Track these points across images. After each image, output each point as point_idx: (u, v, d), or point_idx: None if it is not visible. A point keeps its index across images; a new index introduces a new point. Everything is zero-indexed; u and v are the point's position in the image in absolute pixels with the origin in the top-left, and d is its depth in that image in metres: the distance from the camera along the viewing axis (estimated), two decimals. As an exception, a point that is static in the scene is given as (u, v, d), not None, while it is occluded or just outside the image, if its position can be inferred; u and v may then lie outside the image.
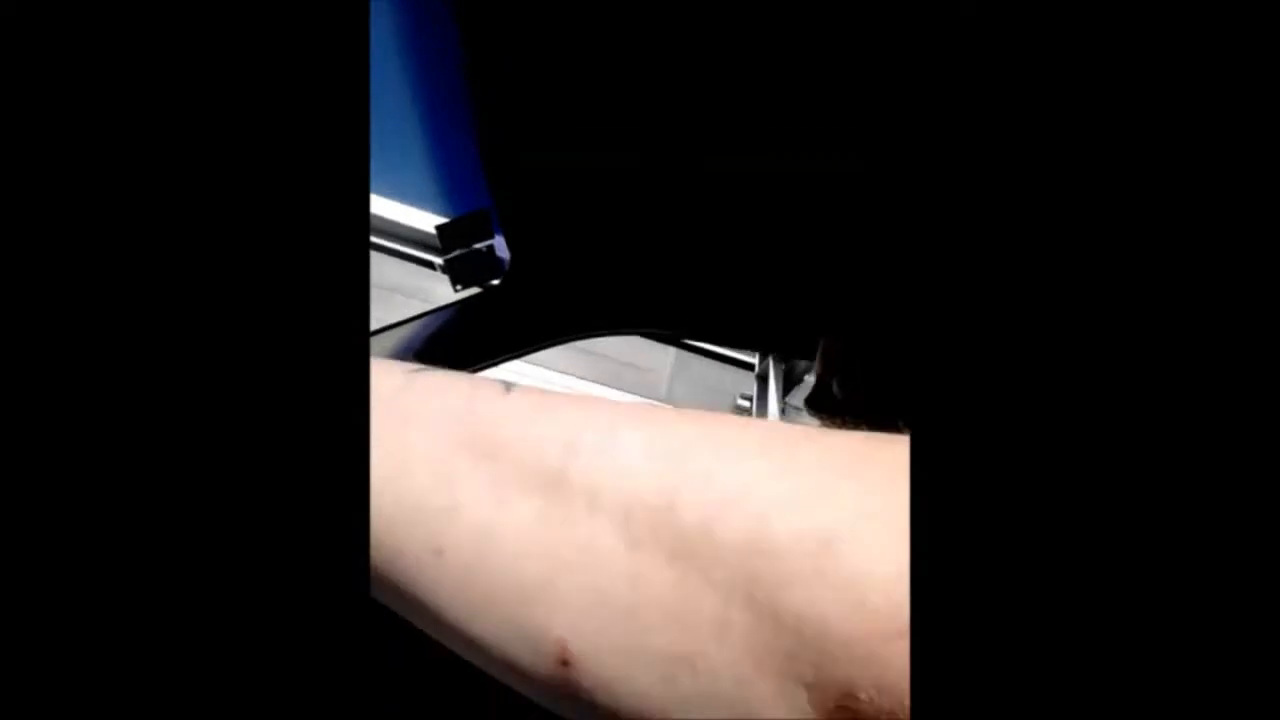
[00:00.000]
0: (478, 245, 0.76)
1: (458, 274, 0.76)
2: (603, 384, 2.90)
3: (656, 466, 0.18)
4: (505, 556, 0.18)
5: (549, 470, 0.19)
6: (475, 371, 0.75)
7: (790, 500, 0.16)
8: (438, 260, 0.79)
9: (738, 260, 0.78)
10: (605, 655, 0.17)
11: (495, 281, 0.78)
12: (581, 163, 0.68)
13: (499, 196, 0.70)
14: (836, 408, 0.64)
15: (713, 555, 0.16)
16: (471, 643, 0.19)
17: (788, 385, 2.85)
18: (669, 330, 0.89)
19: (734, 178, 0.68)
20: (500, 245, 0.77)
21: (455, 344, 0.76)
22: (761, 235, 0.74)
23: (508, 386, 0.21)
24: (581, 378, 2.89)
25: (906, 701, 0.14)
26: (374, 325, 0.76)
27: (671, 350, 3.11)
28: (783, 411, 2.78)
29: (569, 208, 0.70)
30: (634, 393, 2.86)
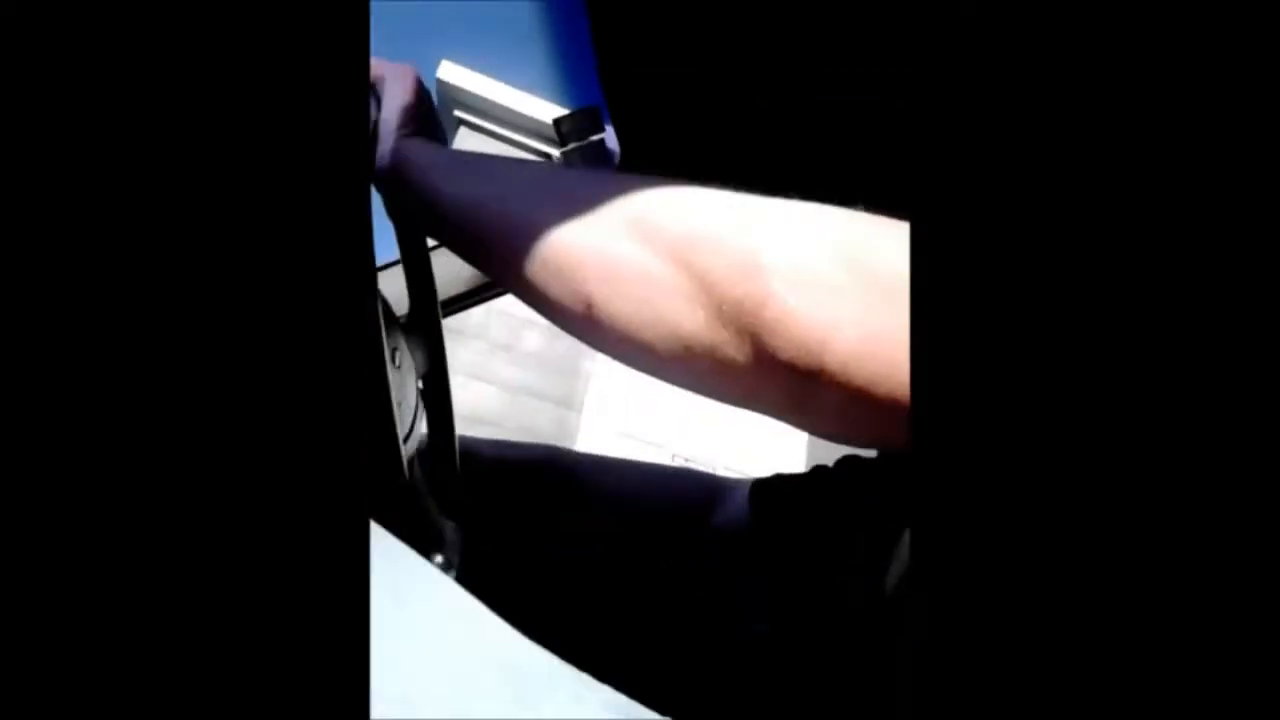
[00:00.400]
0: (591, 138, 0.81)
1: (572, 165, 0.82)
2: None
3: (675, 203, 0.32)
4: (571, 260, 0.32)
5: (623, 212, 0.32)
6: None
7: (731, 218, 0.30)
8: (555, 152, 0.85)
9: (836, 163, 0.80)
10: (610, 301, 0.31)
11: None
12: (690, 64, 0.71)
13: (610, 94, 0.75)
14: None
15: (670, 244, 0.30)
16: (548, 302, 0.33)
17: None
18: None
19: (838, 85, 0.70)
20: (610, 138, 0.82)
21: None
22: (863, 144, 0.76)
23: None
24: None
25: (756, 315, 0.28)
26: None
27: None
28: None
29: (675, 106, 0.73)
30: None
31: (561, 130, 0.80)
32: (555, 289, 0.32)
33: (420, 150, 0.43)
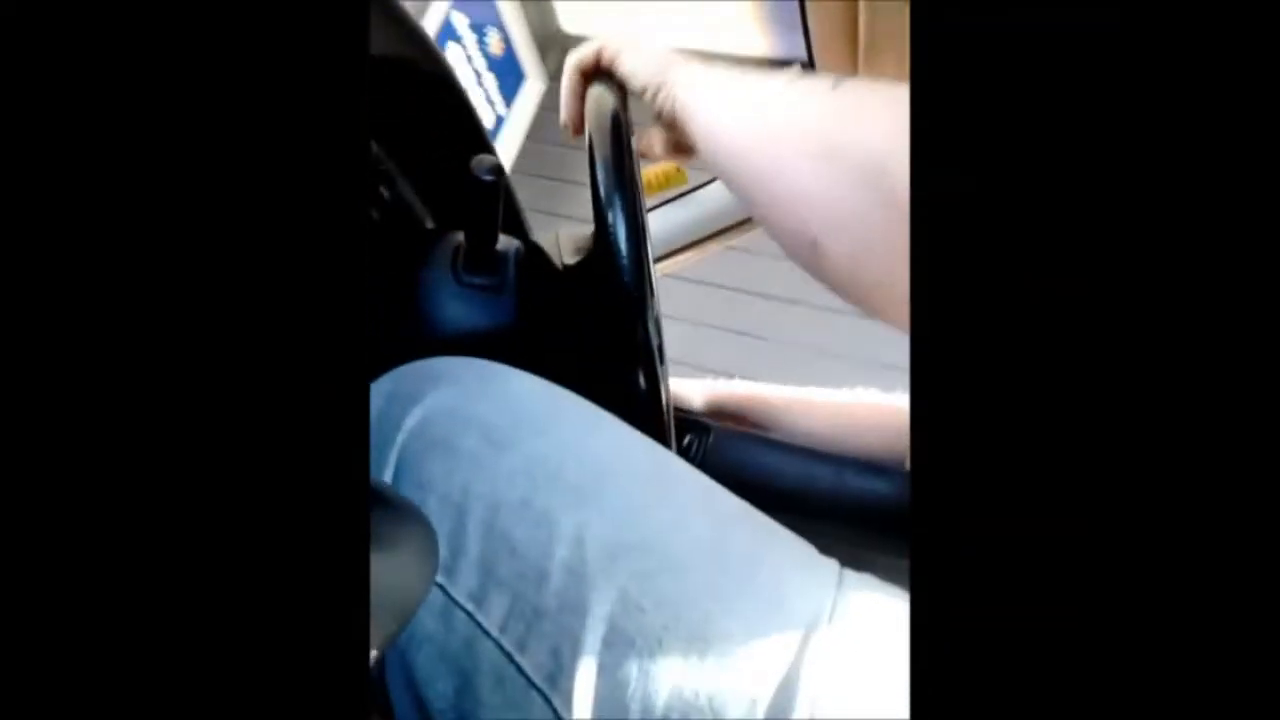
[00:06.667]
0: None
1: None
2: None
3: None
4: (790, 191, 0.34)
5: (834, 146, 0.33)
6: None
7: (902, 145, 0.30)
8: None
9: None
10: (832, 234, 0.33)
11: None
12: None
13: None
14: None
15: (896, 193, 0.29)
16: (782, 240, 0.36)
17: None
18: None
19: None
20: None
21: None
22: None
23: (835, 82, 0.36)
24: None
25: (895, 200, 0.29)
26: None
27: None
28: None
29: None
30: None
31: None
32: (791, 228, 0.35)
33: (701, 77, 0.42)
